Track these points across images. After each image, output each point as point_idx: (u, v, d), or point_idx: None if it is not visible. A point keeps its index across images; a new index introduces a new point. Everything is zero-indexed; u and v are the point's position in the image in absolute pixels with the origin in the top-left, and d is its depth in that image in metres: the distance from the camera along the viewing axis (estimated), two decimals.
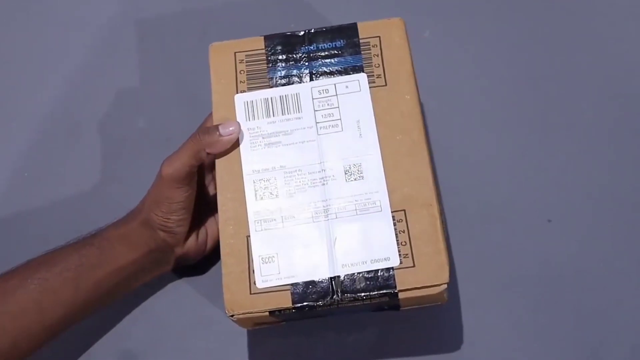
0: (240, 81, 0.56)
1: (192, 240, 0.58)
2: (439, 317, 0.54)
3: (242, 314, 0.50)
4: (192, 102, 0.65)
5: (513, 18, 0.71)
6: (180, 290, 0.62)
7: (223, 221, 0.53)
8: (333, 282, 0.50)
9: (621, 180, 0.64)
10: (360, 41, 0.57)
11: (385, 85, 0.55)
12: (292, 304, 0.50)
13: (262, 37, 0.58)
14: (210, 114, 0.59)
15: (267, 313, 0.50)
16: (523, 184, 0.64)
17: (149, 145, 0.66)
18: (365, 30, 0.57)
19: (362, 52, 0.56)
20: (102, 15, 0.72)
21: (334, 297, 0.50)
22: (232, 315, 0.50)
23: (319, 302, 0.50)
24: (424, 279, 0.50)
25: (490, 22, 0.71)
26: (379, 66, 0.56)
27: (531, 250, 0.61)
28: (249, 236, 0.52)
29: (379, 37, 0.57)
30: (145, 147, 0.66)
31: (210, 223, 0.59)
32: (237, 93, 0.56)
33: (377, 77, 0.56)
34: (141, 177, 0.63)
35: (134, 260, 0.56)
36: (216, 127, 0.54)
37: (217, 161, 0.54)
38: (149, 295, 0.61)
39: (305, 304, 0.50)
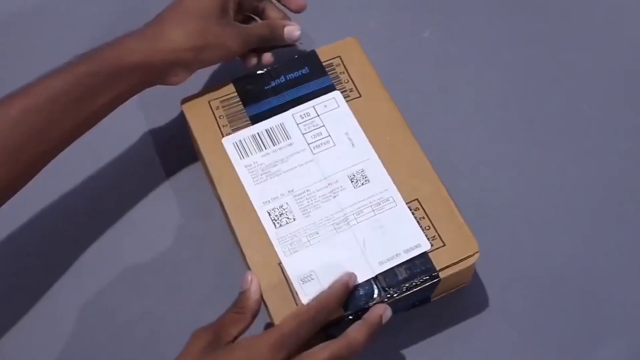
0: (223, 125, 0.58)
1: None
2: (439, 317, 0.53)
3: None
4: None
5: (513, 18, 0.72)
6: (182, 290, 0.60)
7: (250, 255, 0.53)
8: (375, 281, 0.51)
9: (621, 179, 0.64)
10: (324, 64, 0.60)
11: (360, 96, 0.59)
12: (345, 312, 0.50)
13: (231, 82, 0.60)
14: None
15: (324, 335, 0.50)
16: (523, 183, 0.63)
17: (149, 142, 0.66)
18: (324, 55, 0.61)
19: (328, 73, 0.60)
20: (102, 14, 0.71)
21: (381, 294, 0.51)
22: None
23: (368, 303, 0.51)
24: (457, 253, 0.52)
25: (490, 22, 0.72)
26: (348, 82, 0.59)
27: (531, 250, 0.60)
28: (281, 263, 0.52)
29: (340, 56, 0.60)
30: (145, 144, 0.66)
31: None
32: (223, 137, 0.57)
33: (350, 91, 0.59)
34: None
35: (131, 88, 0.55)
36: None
37: (226, 204, 0.55)
38: (150, 296, 0.60)
39: (357, 309, 0.50)
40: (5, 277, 0.60)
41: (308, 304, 0.49)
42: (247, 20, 0.63)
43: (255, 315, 0.49)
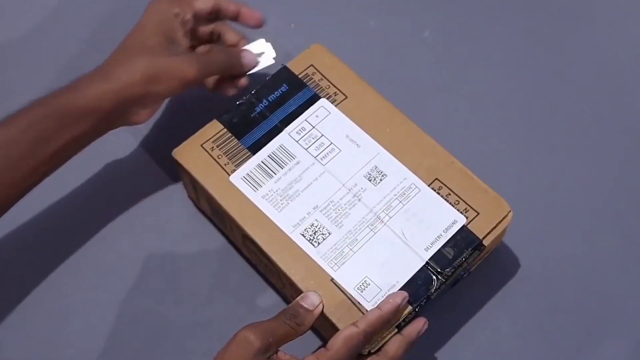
0: (225, 164, 0.56)
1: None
2: (439, 317, 0.53)
3: (374, 343, 0.50)
4: (189, 102, 0.63)
5: (513, 18, 0.72)
6: (182, 290, 0.60)
7: (299, 281, 0.52)
8: (428, 267, 0.52)
9: (621, 179, 0.64)
10: (300, 76, 0.60)
11: (346, 97, 0.59)
12: (412, 307, 0.51)
13: (215, 120, 0.59)
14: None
15: (395, 330, 0.51)
16: (523, 184, 0.63)
17: (147, 141, 0.65)
18: (296, 67, 0.60)
19: (307, 84, 0.59)
20: (100, 11, 0.71)
21: (439, 277, 0.52)
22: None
23: (430, 290, 0.51)
24: (493, 217, 0.54)
25: (490, 22, 0.72)
26: (329, 87, 0.59)
27: (531, 250, 0.60)
28: (333, 279, 0.52)
29: (312, 65, 0.60)
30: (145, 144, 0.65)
31: None
32: (229, 175, 0.56)
33: (335, 95, 0.59)
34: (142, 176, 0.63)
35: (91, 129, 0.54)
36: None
37: (258, 240, 0.54)
38: (150, 296, 0.59)
39: (421, 300, 0.51)
40: (4, 276, 0.60)
41: (358, 328, 0.48)
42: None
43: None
